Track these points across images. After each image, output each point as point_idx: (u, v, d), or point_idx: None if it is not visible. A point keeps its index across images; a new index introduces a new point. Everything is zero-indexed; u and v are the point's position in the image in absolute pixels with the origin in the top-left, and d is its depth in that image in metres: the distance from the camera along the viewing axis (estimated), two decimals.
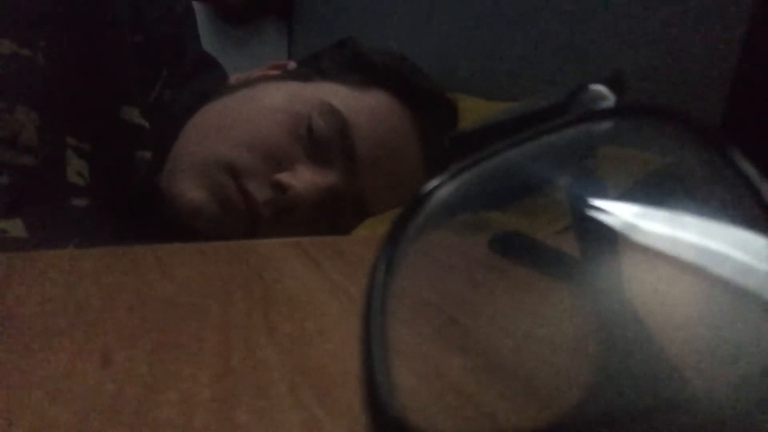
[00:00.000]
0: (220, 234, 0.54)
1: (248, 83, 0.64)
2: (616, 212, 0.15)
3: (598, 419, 0.10)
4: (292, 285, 0.26)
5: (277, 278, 0.27)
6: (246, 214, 0.55)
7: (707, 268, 0.12)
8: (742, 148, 0.11)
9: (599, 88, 0.15)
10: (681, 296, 0.13)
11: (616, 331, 0.14)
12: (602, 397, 0.13)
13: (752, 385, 0.10)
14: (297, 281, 0.27)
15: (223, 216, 0.55)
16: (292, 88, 0.61)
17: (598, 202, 0.15)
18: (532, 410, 0.16)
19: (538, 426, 0.10)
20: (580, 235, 0.17)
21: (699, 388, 0.11)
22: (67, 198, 0.52)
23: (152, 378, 0.17)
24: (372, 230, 0.58)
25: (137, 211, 0.56)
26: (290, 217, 0.56)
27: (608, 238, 0.15)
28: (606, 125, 0.14)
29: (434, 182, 0.13)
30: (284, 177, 0.55)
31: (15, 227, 0.49)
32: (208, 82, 0.65)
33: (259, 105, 0.59)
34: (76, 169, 0.53)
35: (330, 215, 0.58)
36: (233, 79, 0.69)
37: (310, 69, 0.65)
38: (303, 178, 0.55)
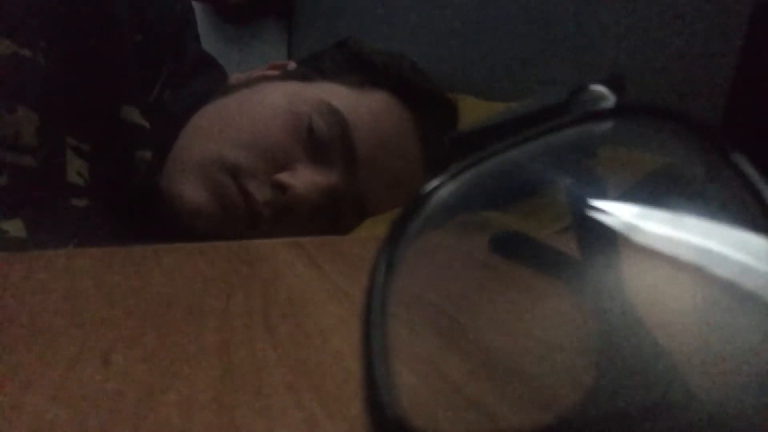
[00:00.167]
0: (220, 234, 0.54)
1: (248, 83, 0.64)
2: (616, 212, 0.15)
3: (598, 419, 0.10)
4: (292, 285, 0.26)
5: (277, 278, 0.27)
6: (246, 214, 0.55)
7: (707, 269, 0.12)
8: (742, 148, 0.11)
9: (599, 88, 0.15)
10: (681, 296, 0.13)
11: (616, 332, 0.14)
12: (602, 398, 0.13)
13: (752, 386, 0.10)
14: (297, 281, 0.27)
15: (223, 216, 0.55)
16: (293, 88, 0.61)
17: (598, 203, 0.15)
18: (533, 410, 0.16)
19: (538, 426, 0.10)
20: (580, 235, 0.17)
21: (698, 389, 0.11)
22: (67, 198, 0.52)
23: (152, 378, 0.17)
24: (372, 230, 0.58)
25: (137, 211, 0.56)
26: (290, 217, 0.56)
27: (608, 238, 0.15)
28: (606, 125, 0.14)
29: (434, 182, 0.13)
30: (284, 177, 0.55)
31: (15, 227, 0.48)
32: (208, 82, 0.65)
33: (259, 105, 0.58)
34: (76, 169, 0.53)
35: (330, 215, 0.58)
36: (233, 78, 0.69)
37: (310, 69, 0.65)
38: (303, 178, 0.55)
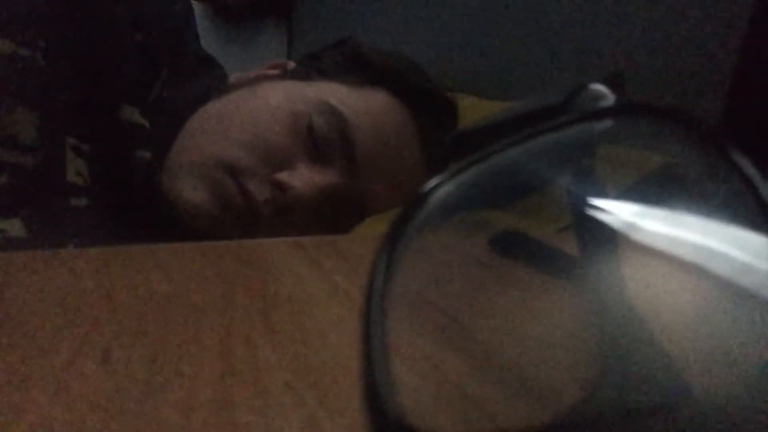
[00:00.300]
0: (220, 233, 0.54)
1: (248, 83, 0.64)
2: (616, 211, 0.15)
3: (598, 418, 0.10)
4: (292, 285, 0.26)
5: (277, 278, 0.27)
6: (246, 213, 0.55)
7: (707, 268, 0.12)
8: (742, 147, 0.11)
9: (599, 87, 0.15)
10: (680, 295, 0.13)
11: (616, 331, 0.14)
12: (602, 397, 0.13)
13: (752, 385, 0.10)
14: (297, 281, 0.27)
15: (223, 215, 0.55)
16: (292, 87, 0.61)
17: (597, 202, 0.15)
18: (533, 410, 0.16)
19: (538, 425, 0.10)
20: (580, 234, 0.17)
21: (698, 387, 0.11)
22: (67, 198, 0.52)
23: (152, 378, 0.17)
24: (372, 229, 0.58)
25: (137, 210, 0.56)
26: (290, 216, 0.56)
27: (608, 237, 0.15)
28: (606, 124, 0.14)
29: (434, 181, 0.13)
30: (284, 176, 0.55)
31: (14, 227, 0.49)
32: (208, 81, 0.65)
33: (259, 105, 0.59)
34: (75, 169, 0.53)
35: (330, 215, 0.58)
36: (233, 78, 0.69)
37: (310, 68, 0.65)
38: (303, 178, 0.55)
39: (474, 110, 0.88)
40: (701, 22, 0.90)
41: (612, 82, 0.15)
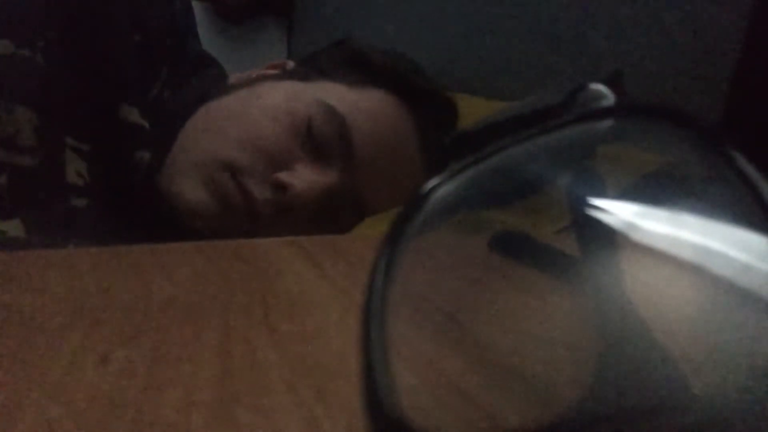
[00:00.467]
0: (220, 233, 0.54)
1: (247, 83, 0.64)
2: (616, 211, 0.15)
3: (598, 418, 0.10)
4: (292, 284, 0.26)
5: (276, 278, 0.27)
6: (246, 213, 0.55)
7: (707, 268, 0.12)
8: (742, 147, 0.11)
9: (599, 87, 0.15)
10: (681, 296, 0.13)
11: (616, 331, 0.14)
12: (602, 396, 0.13)
13: (752, 385, 0.10)
14: (297, 281, 0.27)
15: (223, 215, 0.55)
16: (291, 87, 0.61)
17: (597, 202, 0.15)
18: (532, 409, 0.16)
19: (538, 425, 0.10)
20: (580, 234, 0.17)
21: (698, 387, 0.11)
22: (67, 198, 0.52)
23: (151, 377, 0.17)
24: (371, 229, 0.58)
25: (137, 211, 0.56)
26: (290, 216, 0.56)
27: (608, 237, 0.15)
28: (606, 124, 0.14)
29: (434, 181, 0.13)
30: (284, 176, 0.55)
31: (14, 228, 0.48)
32: (208, 81, 0.65)
33: (259, 104, 0.59)
34: (75, 169, 0.52)
35: (330, 214, 0.58)
36: (232, 78, 0.69)
37: (309, 68, 0.65)
38: (303, 177, 0.55)
39: (474, 110, 0.88)
40: (701, 22, 0.90)
41: (612, 82, 0.15)
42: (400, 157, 0.61)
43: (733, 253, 0.11)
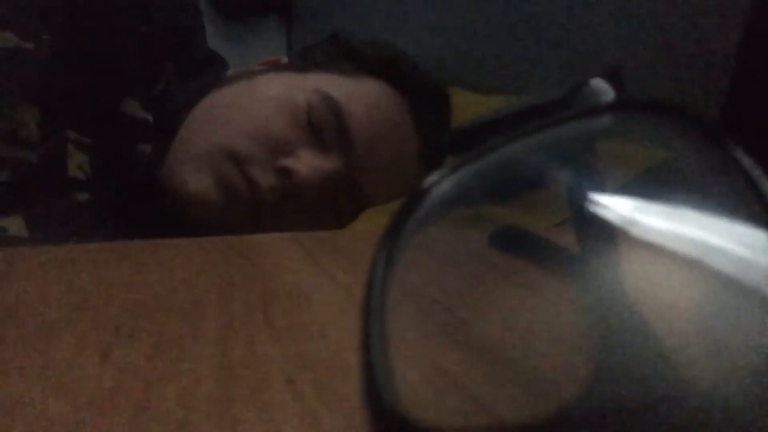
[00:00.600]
0: (225, 223, 0.54)
1: (246, 75, 0.64)
2: (616, 206, 0.15)
3: (596, 413, 0.10)
4: (291, 280, 0.26)
5: (276, 273, 0.27)
6: (251, 201, 0.55)
7: (706, 262, 0.12)
8: (741, 142, 0.11)
9: (599, 82, 0.15)
10: (680, 290, 0.13)
11: (616, 326, 0.14)
12: (601, 391, 0.13)
13: (750, 379, 0.10)
14: (296, 276, 0.27)
15: (228, 204, 0.55)
16: (289, 78, 0.62)
17: (597, 197, 0.15)
18: (532, 404, 0.16)
19: (537, 419, 0.10)
20: (580, 229, 0.17)
21: (697, 383, 0.11)
22: (68, 193, 0.52)
23: (151, 372, 0.17)
24: (371, 224, 0.58)
25: (137, 206, 0.56)
26: (295, 202, 0.56)
27: (607, 232, 0.15)
28: (605, 120, 0.14)
29: (434, 177, 0.13)
30: (289, 162, 0.55)
31: (15, 225, 0.48)
32: (211, 77, 0.66)
33: (259, 94, 0.59)
34: (77, 164, 0.52)
35: (332, 201, 0.59)
36: (231, 72, 0.69)
37: (305, 61, 0.66)
38: (307, 163, 0.56)
39: (471, 106, 0.88)
40: (701, 21, 0.90)
41: (612, 78, 0.15)
42: (396, 144, 0.62)
43: (733, 248, 0.11)
